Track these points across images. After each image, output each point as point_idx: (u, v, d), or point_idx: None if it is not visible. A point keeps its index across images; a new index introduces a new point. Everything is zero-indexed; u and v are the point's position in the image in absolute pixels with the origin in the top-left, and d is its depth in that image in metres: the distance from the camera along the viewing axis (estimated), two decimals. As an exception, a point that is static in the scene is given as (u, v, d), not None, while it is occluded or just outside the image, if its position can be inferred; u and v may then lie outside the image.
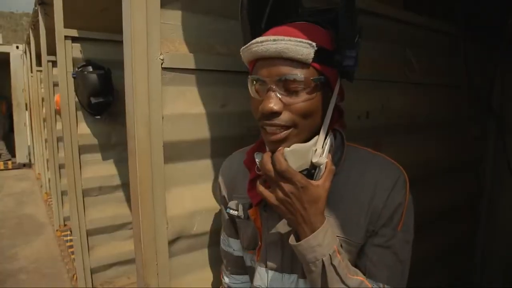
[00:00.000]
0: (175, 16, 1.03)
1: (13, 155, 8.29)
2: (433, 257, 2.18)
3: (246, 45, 0.70)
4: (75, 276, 3.01)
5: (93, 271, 2.72)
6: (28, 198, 5.94)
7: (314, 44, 0.65)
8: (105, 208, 2.66)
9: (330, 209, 0.75)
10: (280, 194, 0.68)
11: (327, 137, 0.73)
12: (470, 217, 2.54)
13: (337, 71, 0.72)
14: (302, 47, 0.65)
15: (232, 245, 0.98)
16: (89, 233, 2.63)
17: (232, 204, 0.90)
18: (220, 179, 0.97)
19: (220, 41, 1.13)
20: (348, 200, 0.75)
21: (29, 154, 8.01)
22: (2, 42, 8.70)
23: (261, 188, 0.71)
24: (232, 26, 1.12)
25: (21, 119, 7.76)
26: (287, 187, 0.66)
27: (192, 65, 1.06)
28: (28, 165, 8.12)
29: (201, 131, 1.12)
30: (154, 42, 0.96)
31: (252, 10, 0.75)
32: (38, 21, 3.56)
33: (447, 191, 2.20)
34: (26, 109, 7.51)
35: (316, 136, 0.71)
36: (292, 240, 0.70)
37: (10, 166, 8.12)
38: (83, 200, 2.56)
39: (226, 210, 0.92)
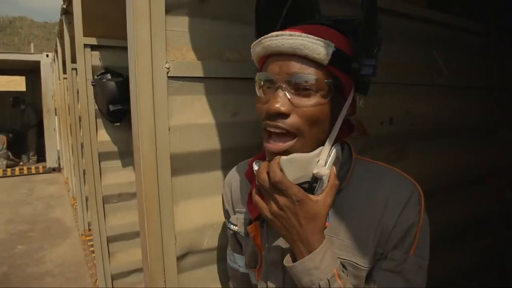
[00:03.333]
0: (181, 22, 0.98)
1: (44, 160, 8.59)
2: (467, 269, 2.05)
3: (259, 39, 0.65)
4: (97, 281, 3.04)
5: (113, 277, 2.73)
6: (57, 202, 6.11)
7: (332, 44, 0.60)
8: (125, 215, 2.66)
9: (334, 228, 0.69)
10: (274, 207, 0.62)
11: (333, 148, 0.66)
12: (506, 227, 2.37)
13: (352, 80, 0.66)
14: (319, 45, 0.60)
15: (237, 261, 0.92)
16: (109, 239, 2.64)
17: (233, 218, 0.85)
18: (223, 192, 0.92)
19: (231, 47, 1.08)
20: (355, 218, 0.68)
21: (59, 158, 8.27)
22: (33, 51, 9.06)
23: (256, 198, 0.65)
24: (243, 31, 1.07)
25: (51, 125, 8.03)
26: (281, 200, 0.61)
27: (200, 73, 1.02)
28: (57, 170, 8.39)
29: (211, 141, 1.07)
30: (159, 51, 0.92)
31: (268, 11, 0.71)
32: (63, 30, 3.66)
33: (480, 200, 2.06)
34: (56, 115, 7.77)
35: (321, 147, 0.65)
36: (287, 261, 0.64)
37: (41, 170, 8.41)
38: (103, 207, 2.56)
39: (227, 225, 0.86)
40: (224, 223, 1.11)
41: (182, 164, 1.03)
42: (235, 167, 0.94)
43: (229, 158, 1.10)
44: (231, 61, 1.06)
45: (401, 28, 1.50)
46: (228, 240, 0.99)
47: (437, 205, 1.76)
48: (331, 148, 0.65)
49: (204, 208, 1.09)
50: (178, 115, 1.00)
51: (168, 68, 0.94)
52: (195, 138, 1.04)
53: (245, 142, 1.12)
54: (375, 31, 0.65)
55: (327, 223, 0.65)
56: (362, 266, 0.66)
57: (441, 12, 1.66)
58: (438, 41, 1.69)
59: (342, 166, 0.71)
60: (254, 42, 0.67)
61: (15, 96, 9.10)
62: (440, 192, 1.77)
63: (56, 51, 5.80)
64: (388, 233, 0.64)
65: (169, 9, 0.94)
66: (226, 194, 0.91)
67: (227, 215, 0.91)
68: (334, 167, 0.65)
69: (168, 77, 0.95)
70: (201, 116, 1.04)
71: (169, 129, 0.98)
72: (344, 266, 0.66)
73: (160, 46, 0.93)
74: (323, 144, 0.65)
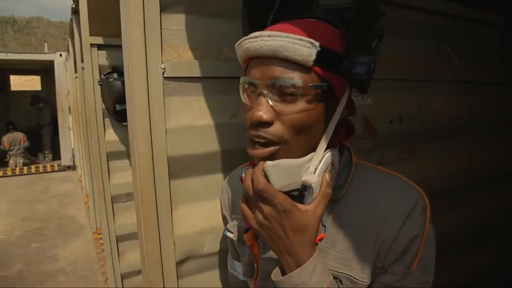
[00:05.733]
0: (178, 21, 0.95)
1: (59, 158, 8.73)
2: (485, 270, 1.97)
3: (240, 40, 0.61)
4: (107, 279, 3.05)
5: (123, 276, 2.73)
6: (71, 199, 6.20)
7: (317, 43, 0.54)
8: (134, 214, 2.65)
9: (332, 239, 0.64)
10: (259, 216, 0.58)
11: (326, 153, 0.60)
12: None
13: (345, 80, 0.60)
14: (301, 46, 0.54)
15: (237, 269, 0.89)
16: (119, 239, 2.64)
17: (230, 225, 0.81)
18: (221, 197, 0.89)
19: (229, 45, 1.03)
20: (353, 229, 0.63)
21: (73, 156, 8.40)
22: (48, 51, 9.20)
23: (242, 206, 0.61)
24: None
25: (65, 123, 8.15)
26: (266, 209, 0.56)
27: (198, 73, 0.98)
28: (72, 168, 8.52)
29: (210, 143, 1.04)
30: (153, 50, 0.89)
31: (257, 5, 0.65)
32: (73, 29, 3.68)
33: (500, 201, 1.98)
34: (70, 113, 7.87)
35: (312, 153, 0.60)
36: (275, 274, 0.60)
37: (56, 168, 8.56)
38: (112, 206, 2.56)
39: (224, 232, 0.83)
40: (225, 228, 1.09)
41: (181, 167, 1.00)
42: (234, 170, 0.90)
43: (229, 160, 1.07)
44: (229, 59, 1.02)
45: (412, 22, 1.44)
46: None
47: (452, 205, 1.69)
48: (324, 153, 0.60)
49: (204, 212, 1.06)
50: (175, 117, 0.97)
51: (163, 69, 0.91)
52: (193, 140, 1.00)
53: (245, 143, 1.08)
54: (372, 20, 0.58)
55: (323, 234, 0.61)
56: (360, 280, 0.61)
57: (456, 4, 1.58)
58: (453, 35, 1.61)
59: (341, 172, 0.66)
60: (236, 44, 0.62)
61: (34, 94, 9.28)
62: (455, 193, 1.71)
63: (68, 51, 5.87)
64: (388, 246, 0.59)
65: (165, 7, 0.91)
66: (224, 200, 0.87)
67: (225, 221, 0.88)
68: (326, 174, 0.59)
69: (164, 77, 0.92)
70: (199, 118, 1.01)
71: (166, 132, 0.95)
72: (340, 281, 0.61)
73: (155, 46, 0.89)
74: (313, 150, 0.60)
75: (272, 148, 0.57)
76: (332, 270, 0.62)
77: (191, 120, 0.99)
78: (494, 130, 1.91)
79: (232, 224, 0.81)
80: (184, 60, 0.96)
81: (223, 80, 1.02)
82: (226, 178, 0.90)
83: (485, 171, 1.87)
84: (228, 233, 0.81)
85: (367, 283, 0.61)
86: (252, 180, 0.57)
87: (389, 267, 0.60)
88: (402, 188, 0.63)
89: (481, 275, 1.95)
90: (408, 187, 0.63)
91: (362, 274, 0.61)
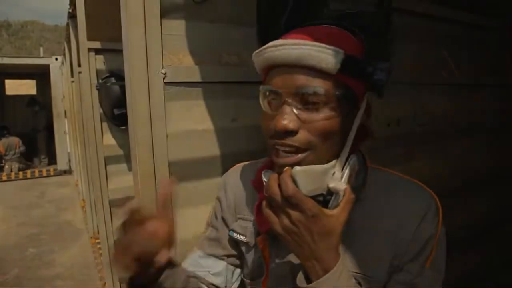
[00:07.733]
0: (178, 26, 0.96)
1: (55, 162, 8.68)
2: (485, 272, 1.99)
3: (260, 49, 0.60)
4: (105, 284, 3.04)
5: (121, 281, 2.72)
6: (67, 204, 6.16)
7: (341, 51, 0.55)
8: (133, 218, 2.65)
9: (347, 241, 0.65)
10: (286, 221, 0.57)
11: (350, 159, 0.62)
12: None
13: (364, 85, 0.61)
14: (327, 54, 0.55)
15: (211, 267, 0.82)
16: (117, 243, 2.63)
17: (236, 226, 0.80)
18: (223, 196, 0.84)
19: (230, 50, 1.05)
20: (369, 231, 0.65)
21: (69, 161, 8.35)
22: (43, 55, 9.17)
23: (267, 211, 0.60)
24: (241, 33, 1.04)
25: (61, 128, 8.11)
26: (294, 214, 0.56)
27: (198, 78, 0.99)
28: (68, 172, 8.47)
29: (211, 148, 1.05)
30: (154, 56, 0.90)
31: (272, 7, 0.65)
32: (70, 34, 3.68)
33: (499, 201, 2.00)
34: (66, 118, 7.84)
35: (336, 159, 0.60)
36: (300, 281, 0.60)
37: (52, 173, 8.51)
38: (110, 211, 2.56)
39: (229, 232, 0.81)
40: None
41: (181, 172, 1.00)
42: (232, 170, 0.88)
43: (229, 164, 1.06)
44: (229, 64, 1.03)
45: (409, 26, 1.45)
46: None
47: (451, 206, 1.70)
48: (347, 160, 0.61)
49: (204, 216, 1.06)
50: (176, 122, 0.97)
51: (164, 74, 0.92)
52: (194, 145, 1.01)
53: (246, 147, 1.09)
54: (389, 27, 0.60)
55: None
56: (376, 280, 0.63)
57: (451, 8, 1.60)
58: (449, 38, 1.63)
59: (357, 177, 0.67)
60: (255, 52, 0.62)
61: (32, 97, 9.22)
62: (454, 193, 1.72)
63: (64, 55, 5.85)
64: (405, 246, 0.62)
65: (165, 13, 0.92)
66: (228, 199, 0.83)
67: (224, 222, 0.83)
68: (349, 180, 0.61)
69: (165, 82, 0.93)
70: (200, 122, 1.02)
71: (166, 136, 0.95)
72: (359, 282, 0.63)
73: (156, 51, 0.90)
74: (337, 156, 0.61)
75: (301, 155, 0.58)
76: (349, 271, 0.63)
77: (191, 125, 1.00)
78: (492, 131, 1.93)
79: (239, 225, 0.79)
80: (185, 65, 0.97)
81: (223, 85, 1.03)
82: (226, 177, 0.87)
83: (484, 171, 1.89)
84: (235, 235, 0.79)
85: (383, 282, 0.64)
86: (279, 185, 0.57)
87: (405, 266, 0.63)
88: (415, 191, 0.66)
89: (481, 275, 1.97)
90: (422, 190, 0.66)
91: (378, 274, 0.63)
